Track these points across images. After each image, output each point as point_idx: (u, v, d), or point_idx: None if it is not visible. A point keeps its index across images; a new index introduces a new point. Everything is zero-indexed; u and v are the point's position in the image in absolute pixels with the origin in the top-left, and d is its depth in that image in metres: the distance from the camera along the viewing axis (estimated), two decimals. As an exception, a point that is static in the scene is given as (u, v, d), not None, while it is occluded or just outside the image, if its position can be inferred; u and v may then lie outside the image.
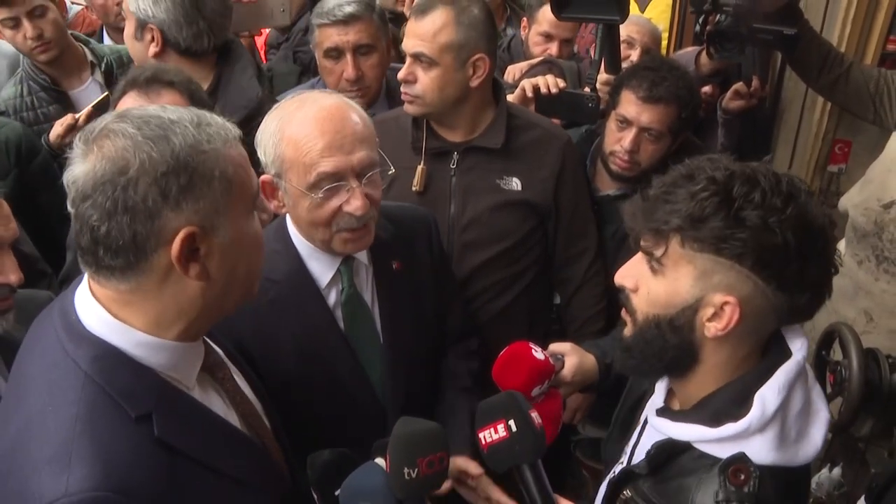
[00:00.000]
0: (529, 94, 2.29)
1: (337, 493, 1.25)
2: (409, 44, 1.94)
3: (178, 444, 1.04)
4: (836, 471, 1.98)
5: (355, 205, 1.48)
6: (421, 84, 1.94)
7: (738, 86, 2.71)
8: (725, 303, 1.07)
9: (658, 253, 1.11)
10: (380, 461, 1.27)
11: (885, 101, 2.34)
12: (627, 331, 1.20)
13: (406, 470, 1.15)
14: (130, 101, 1.79)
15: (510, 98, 2.26)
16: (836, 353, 1.94)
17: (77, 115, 2.44)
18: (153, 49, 2.23)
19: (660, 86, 2.12)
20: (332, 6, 2.33)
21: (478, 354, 1.90)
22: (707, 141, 2.84)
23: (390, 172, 1.56)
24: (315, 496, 1.31)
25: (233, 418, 1.21)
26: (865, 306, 2.18)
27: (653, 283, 1.14)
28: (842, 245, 2.31)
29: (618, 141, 2.19)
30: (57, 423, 0.99)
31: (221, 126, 1.08)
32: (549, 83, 2.26)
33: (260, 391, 1.37)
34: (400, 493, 1.17)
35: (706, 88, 2.90)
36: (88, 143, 1.01)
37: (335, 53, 2.35)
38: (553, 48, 3.01)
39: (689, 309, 1.10)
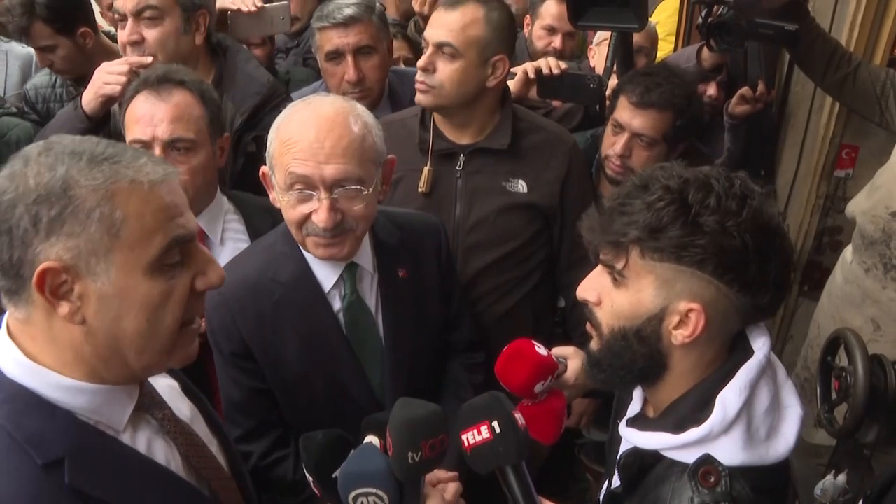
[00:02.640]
0: (532, 75, 2.29)
1: (334, 475, 1.23)
2: (435, 33, 1.94)
3: (94, 492, 0.99)
4: (841, 477, 1.97)
5: (320, 216, 1.48)
6: (440, 74, 1.94)
7: (744, 90, 2.70)
8: (690, 310, 1.07)
9: (619, 265, 1.11)
10: (372, 439, 1.27)
11: (891, 104, 2.33)
12: (594, 344, 1.20)
13: (410, 454, 1.15)
14: (142, 100, 1.78)
15: (511, 83, 2.25)
16: (842, 360, 1.94)
17: None
18: (200, 38, 2.24)
19: (653, 91, 2.11)
20: (332, 9, 2.33)
21: (483, 367, 1.89)
22: (713, 146, 2.83)
23: (364, 193, 1.51)
24: (310, 478, 1.29)
25: (176, 461, 1.15)
26: (872, 314, 2.17)
27: (616, 295, 1.13)
28: (848, 251, 2.31)
29: (611, 145, 2.20)
30: None
31: (136, 166, 1.00)
32: (551, 65, 2.27)
33: (216, 426, 1.31)
34: (402, 476, 1.17)
35: (711, 92, 2.90)
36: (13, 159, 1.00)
37: (336, 56, 2.35)
38: (556, 41, 3.01)
39: (654, 319, 1.10)
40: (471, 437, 1.17)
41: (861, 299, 2.19)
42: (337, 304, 1.65)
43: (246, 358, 1.63)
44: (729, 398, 1.09)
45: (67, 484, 0.96)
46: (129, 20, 2.19)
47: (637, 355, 1.13)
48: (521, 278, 2.10)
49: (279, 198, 1.53)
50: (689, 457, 1.10)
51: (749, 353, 1.14)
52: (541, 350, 1.41)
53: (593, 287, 1.18)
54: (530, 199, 2.04)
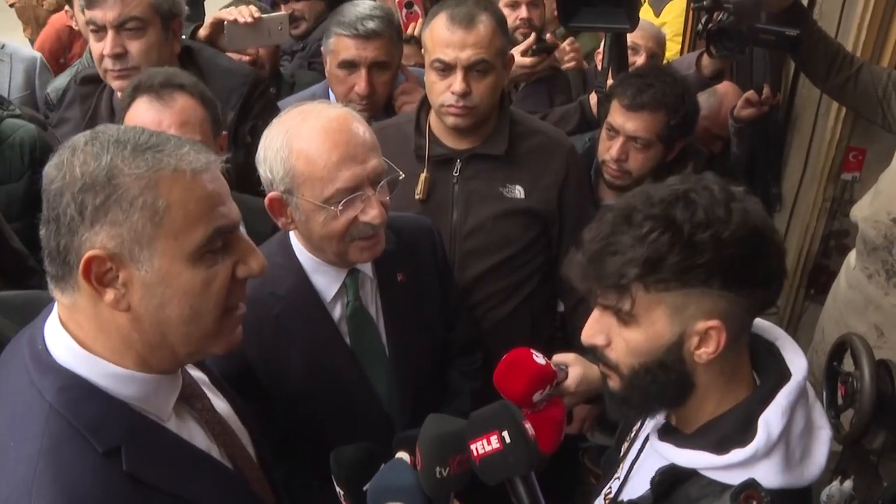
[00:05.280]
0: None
1: (365, 488, 1.25)
2: (464, 55, 1.88)
3: (149, 479, 1.01)
4: (848, 483, 1.94)
5: (372, 214, 1.46)
6: (478, 93, 1.91)
7: (750, 94, 2.68)
8: (710, 327, 1.06)
9: (626, 307, 1.08)
10: (403, 455, 1.28)
11: (893, 106, 2.30)
12: (614, 384, 1.16)
13: (438, 469, 1.16)
14: (143, 105, 1.77)
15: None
16: (848, 365, 1.91)
17: None
18: (177, 46, 2.23)
19: (644, 93, 2.10)
20: (355, 18, 2.27)
21: (482, 372, 1.88)
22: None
23: (401, 178, 1.53)
24: (340, 492, 1.30)
25: (214, 450, 1.17)
26: (876, 321, 2.13)
27: (627, 333, 1.10)
28: (852, 256, 2.27)
29: (607, 150, 2.20)
30: (18, 459, 0.95)
31: (179, 155, 1.01)
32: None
33: (246, 419, 1.33)
34: (430, 491, 1.18)
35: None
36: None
37: (350, 66, 2.30)
38: (522, 11, 2.95)
39: (674, 346, 1.08)
40: (480, 447, 1.16)
41: (864, 305, 2.16)
42: (337, 314, 1.63)
43: (248, 377, 1.58)
44: (772, 420, 1.08)
45: (125, 471, 0.98)
46: (110, 32, 2.12)
47: (666, 384, 1.11)
48: (519, 283, 2.08)
49: (309, 216, 1.49)
50: (731, 478, 1.08)
51: (786, 374, 1.13)
52: (539, 359, 1.39)
53: (600, 330, 1.14)
54: (527, 204, 2.02)
